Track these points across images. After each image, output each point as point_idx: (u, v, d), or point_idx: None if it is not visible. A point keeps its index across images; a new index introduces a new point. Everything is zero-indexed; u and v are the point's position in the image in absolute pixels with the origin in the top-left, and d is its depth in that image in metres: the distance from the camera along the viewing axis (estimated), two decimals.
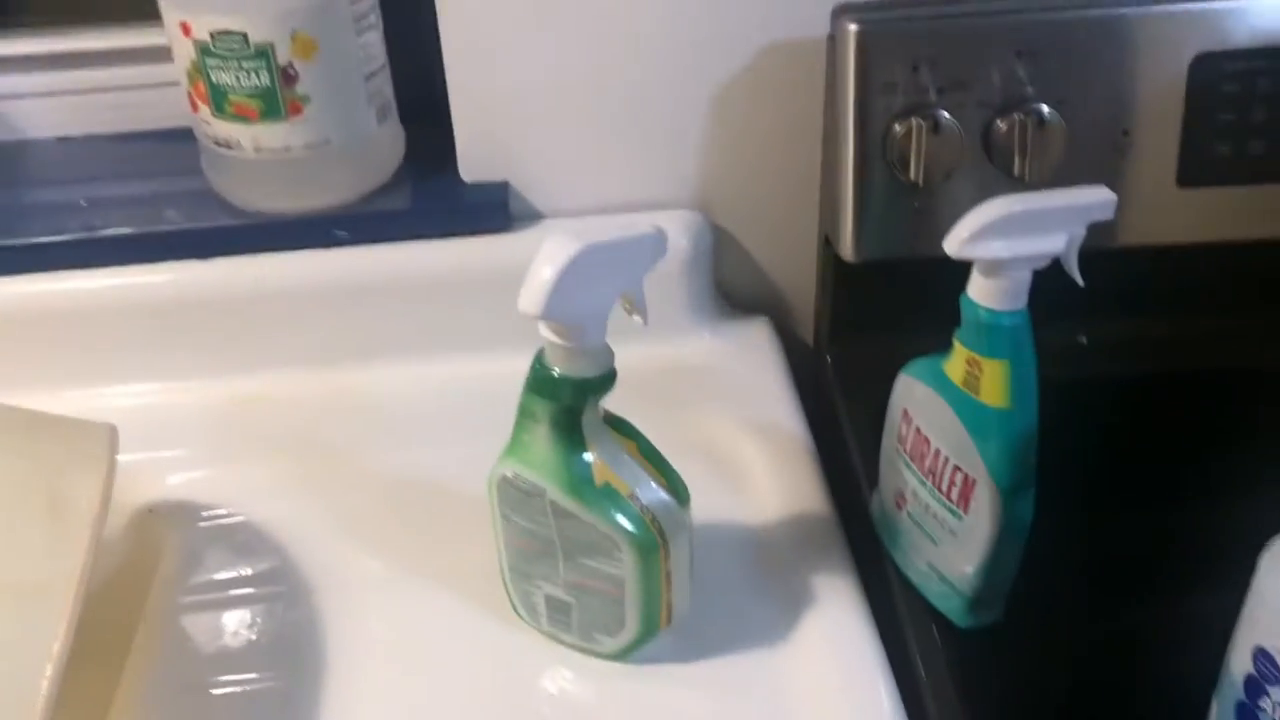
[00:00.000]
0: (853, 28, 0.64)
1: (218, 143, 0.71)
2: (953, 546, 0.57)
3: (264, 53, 0.67)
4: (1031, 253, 0.52)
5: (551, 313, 0.47)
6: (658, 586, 0.55)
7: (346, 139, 0.71)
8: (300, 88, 0.68)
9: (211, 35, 0.66)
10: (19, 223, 0.74)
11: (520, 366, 0.52)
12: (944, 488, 0.57)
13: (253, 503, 0.67)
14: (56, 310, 0.73)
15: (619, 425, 0.55)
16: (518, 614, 0.60)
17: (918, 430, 0.58)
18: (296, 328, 0.74)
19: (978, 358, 0.54)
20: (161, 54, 0.72)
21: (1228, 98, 0.66)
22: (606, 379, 0.51)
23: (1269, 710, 0.47)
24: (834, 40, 0.67)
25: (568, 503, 0.53)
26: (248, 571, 0.64)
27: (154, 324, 0.73)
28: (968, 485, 0.56)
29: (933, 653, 0.57)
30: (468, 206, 0.75)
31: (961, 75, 0.65)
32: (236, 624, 0.61)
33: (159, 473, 0.69)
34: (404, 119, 0.77)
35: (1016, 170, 0.66)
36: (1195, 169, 0.67)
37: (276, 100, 0.68)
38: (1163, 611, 0.62)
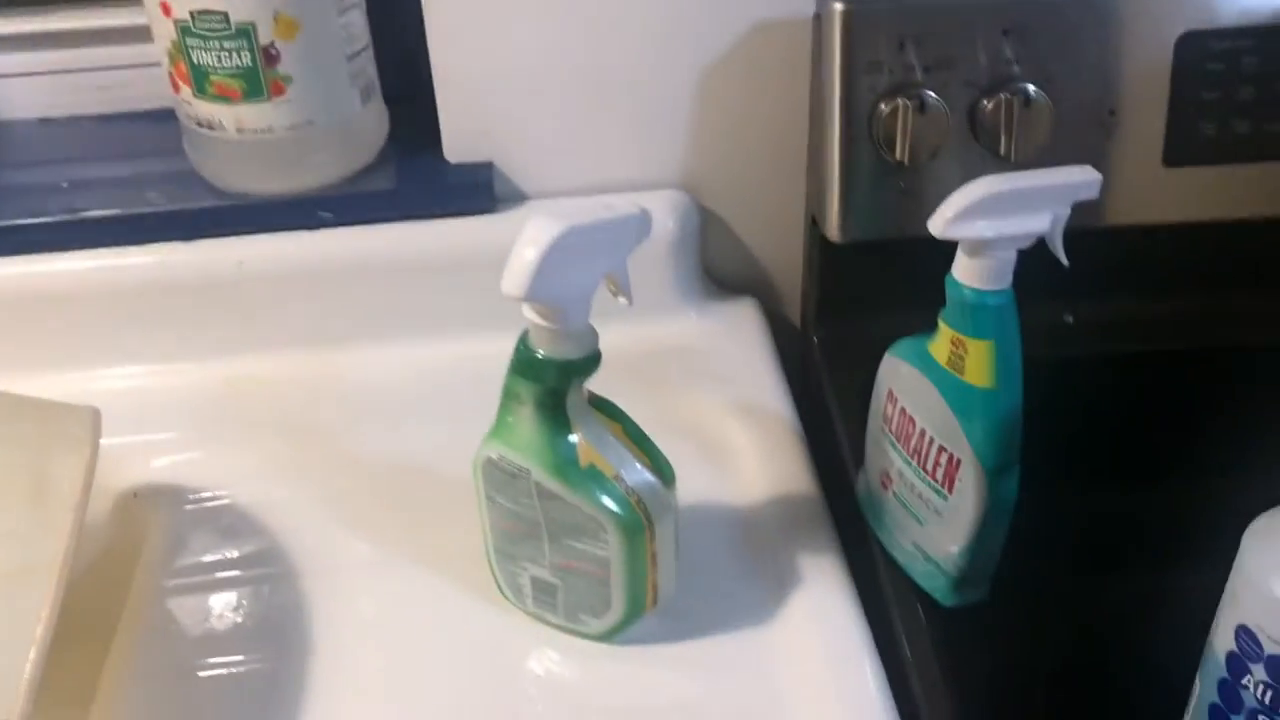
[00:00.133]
0: (838, 7, 0.64)
1: (200, 123, 0.70)
2: (938, 526, 0.58)
3: (245, 32, 0.66)
4: (1016, 232, 0.52)
5: (535, 294, 0.47)
6: (643, 568, 0.55)
7: (330, 119, 0.71)
8: (282, 68, 0.68)
9: (192, 15, 0.66)
10: (0, 204, 0.73)
11: (505, 348, 0.52)
12: (929, 468, 0.57)
13: (238, 485, 0.67)
14: (38, 293, 0.72)
15: (604, 407, 0.55)
16: (504, 595, 0.60)
17: (903, 410, 0.58)
18: (280, 309, 0.74)
19: (962, 338, 0.54)
20: (143, 34, 0.71)
21: (1213, 76, 0.66)
22: (591, 360, 0.51)
23: (1251, 687, 0.47)
24: (819, 19, 0.66)
25: (552, 484, 0.53)
26: (233, 554, 0.63)
27: (137, 306, 0.73)
28: (952, 465, 0.56)
29: (918, 632, 0.57)
30: (452, 187, 0.74)
31: (947, 54, 0.64)
32: (222, 607, 0.61)
33: (143, 456, 0.69)
34: (388, 99, 0.76)
35: (1002, 150, 0.65)
36: (1181, 148, 0.67)
37: (258, 80, 0.68)
38: (1147, 590, 0.62)
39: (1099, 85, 0.66)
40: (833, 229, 0.69)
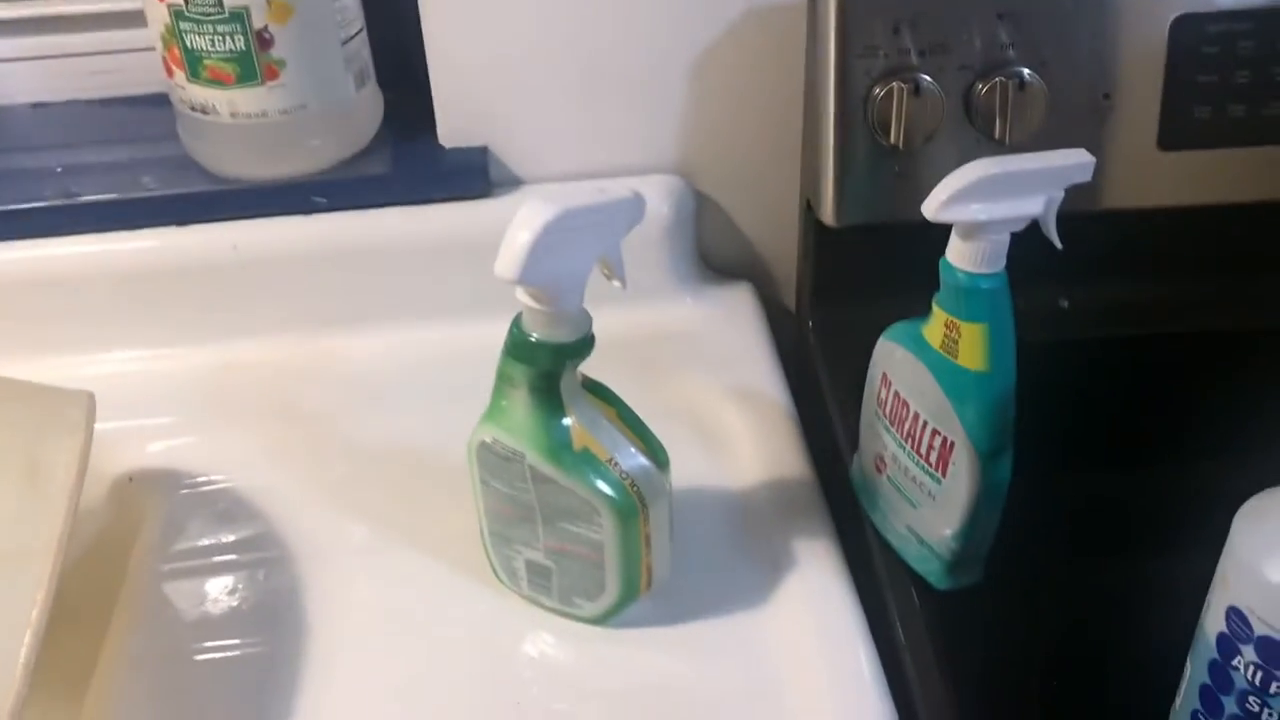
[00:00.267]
0: None
1: (194, 108, 0.70)
2: (931, 509, 0.58)
3: (239, 16, 0.66)
4: (1009, 215, 0.51)
5: (528, 277, 0.47)
6: (637, 551, 0.55)
7: (324, 104, 0.71)
8: (276, 52, 0.68)
9: None
10: None
11: (500, 332, 0.52)
12: (923, 451, 0.57)
13: (234, 470, 0.67)
14: (33, 277, 0.72)
15: (598, 391, 0.55)
16: (498, 579, 0.60)
17: (897, 394, 0.58)
18: (275, 294, 0.74)
19: (956, 321, 0.54)
20: (137, 19, 0.71)
21: (1209, 60, 0.66)
22: (584, 343, 0.51)
23: (1241, 668, 0.47)
24: (814, 4, 0.66)
25: (546, 468, 0.53)
26: (229, 538, 0.64)
27: (132, 291, 0.73)
28: (946, 448, 0.56)
29: (911, 615, 0.58)
30: (447, 172, 0.74)
31: (942, 38, 0.64)
32: (219, 590, 0.61)
33: (139, 441, 0.69)
34: (382, 84, 0.76)
35: (997, 133, 0.65)
36: (1176, 132, 0.67)
37: (252, 64, 0.68)
38: (1141, 573, 0.62)
39: (1094, 69, 0.66)
40: (828, 213, 0.69)
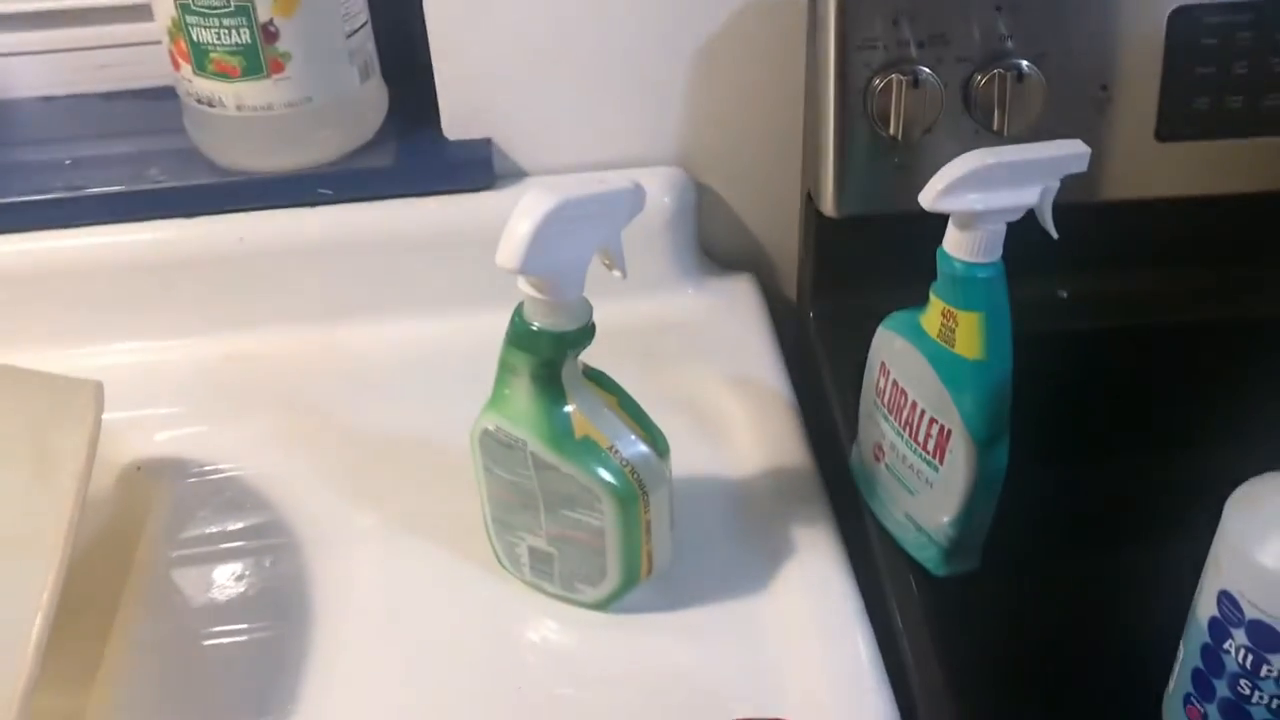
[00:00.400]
0: None
1: (200, 101, 0.71)
2: (929, 497, 0.58)
3: (244, 9, 0.67)
4: (1005, 205, 0.52)
5: (529, 267, 0.48)
6: (638, 537, 0.56)
7: (329, 97, 0.72)
8: (281, 45, 0.68)
9: None
10: (3, 181, 0.74)
11: (503, 322, 0.53)
12: (920, 439, 0.58)
13: (240, 458, 0.68)
14: (41, 269, 0.73)
15: (599, 379, 0.56)
16: (501, 565, 0.60)
17: (895, 383, 0.59)
18: (281, 285, 0.75)
19: (953, 310, 0.54)
20: (143, 12, 0.72)
21: (1206, 51, 0.66)
22: (585, 332, 0.52)
23: (1232, 651, 0.48)
24: None
25: (548, 455, 0.54)
26: (236, 526, 0.64)
27: (139, 282, 0.73)
28: (943, 436, 0.56)
29: (909, 601, 0.58)
30: (451, 164, 0.75)
31: (941, 31, 0.65)
32: (226, 577, 0.62)
33: (146, 430, 0.69)
34: (387, 77, 0.77)
35: (996, 125, 0.66)
36: (1174, 123, 0.68)
37: (258, 57, 0.68)
38: (1136, 559, 0.63)
39: (1092, 61, 0.66)
40: (828, 204, 0.70)
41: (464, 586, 0.60)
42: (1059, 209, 0.53)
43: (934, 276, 0.55)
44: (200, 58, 0.69)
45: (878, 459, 0.62)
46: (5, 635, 0.46)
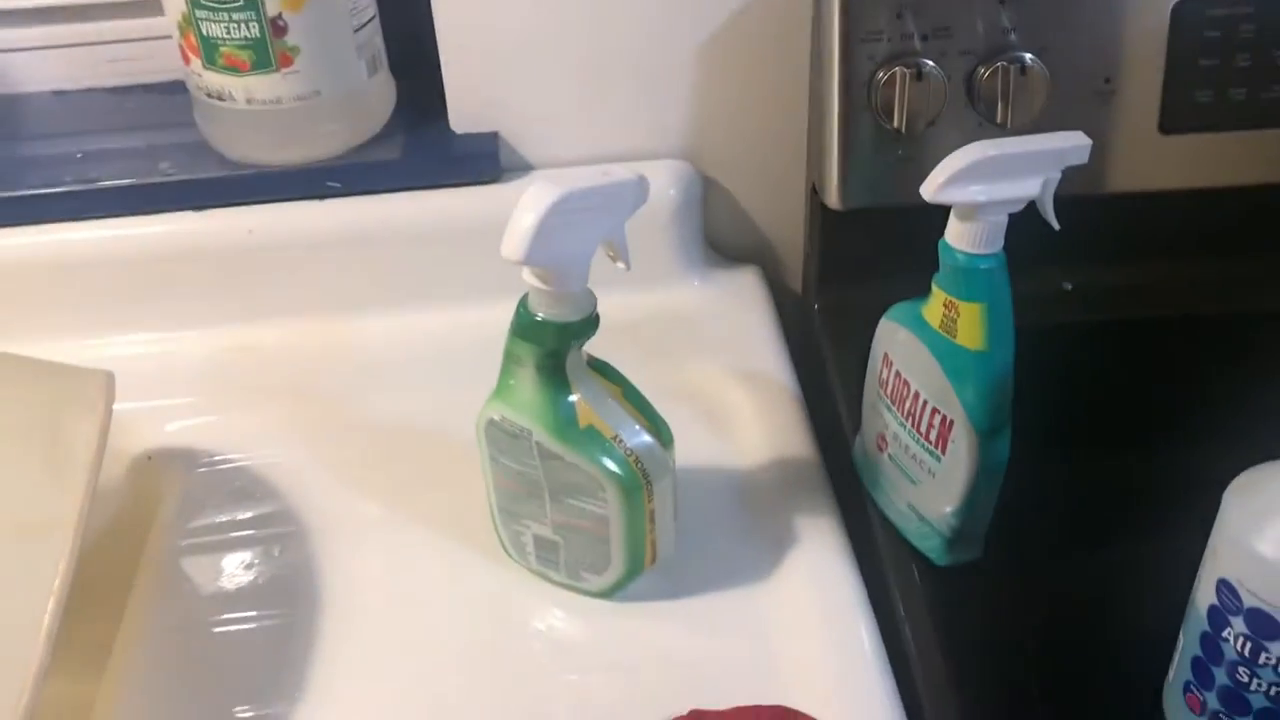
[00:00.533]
0: None
1: (209, 94, 0.72)
2: (931, 487, 0.59)
3: (253, 4, 0.67)
4: (1007, 197, 0.52)
5: (533, 258, 0.48)
6: (642, 526, 0.56)
7: (337, 90, 0.72)
8: (290, 39, 0.69)
9: None
10: (16, 175, 0.75)
11: (509, 314, 0.53)
12: (923, 429, 0.58)
13: (249, 449, 0.68)
14: (53, 261, 0.74)
15: (604, 370, 0.57)
16: (507, 554, 0.61)
17: (898, 374, 0.59)
18: (290, 277, 0.75)
19: (955, 301, 0.55)
20: (154, 7, 0.72)
21: (1210, 44, 0.66)
22: (589, 323, 0.52)
23: (1231, 640, 0.48)
24: None
25: (553, 444, 0.54)
26: (245, 515, 0.65)
27: (150, 274, 0.74)
28: (945, 427, 0.57)
29: (912, 590, 0.59)
30: (458, 157, 0.76)
31: (945, 23, 0.65)
32: (235, 565, 0.62)
33: (157, 421, 0.70)
34: (395, 71, 0.77)
35: (999, 118, 0.66)
36: (1177, 116, 0.68)
37: (267, 51, 0.69)
38: (1137, 550, 0.63)
39: (1095, 53, 0.66)
40: (832, 197, 0.70)
41: (470, 574, 0.61)
42: (1063, 201, 0.54)
43: (938, 268, 0.56)
44: (210, 52, 0.69)
45: (881, 449, 0.62)
46: (18, 620, 0.47)
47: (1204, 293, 0.74)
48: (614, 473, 0.54)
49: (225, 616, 0.60)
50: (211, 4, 0.67)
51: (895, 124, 0.66)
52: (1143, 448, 0.69)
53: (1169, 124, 0.68)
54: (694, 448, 0.63)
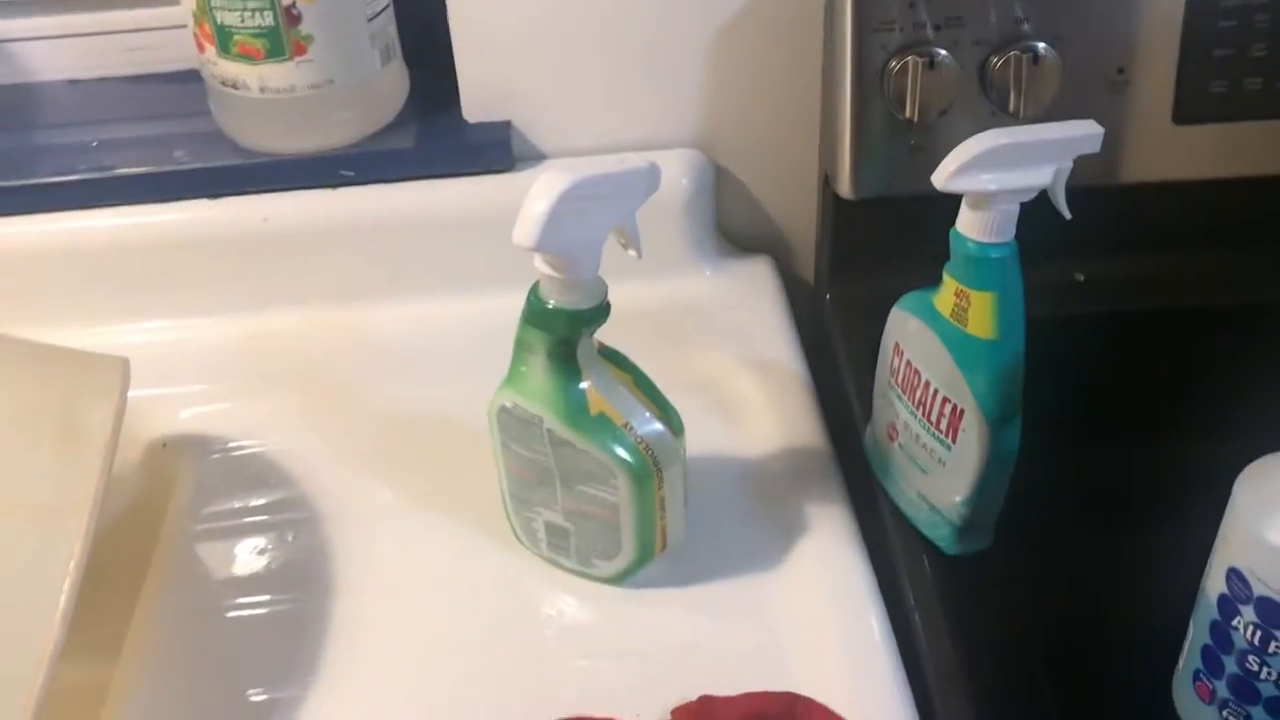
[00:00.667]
0: None
1: (224, 83, 0.72)
2: (942, 476, 0.59)
3: None
4: (1018, 186, 0.52)
5: (545, 245, 0.49)
6: (652, 513, 0.56)
7: (351, 79, 0.72)
8: (304, 28, 0.69)
9: None
10: (31, 163, 0.75)
11: (521, 303, 0.54)
12: (933, 419, 0.58)
13: (263, 436, 0.69)
14: (69, 249, 0.74)
15: (615, 358, 0.57)
16: (518, 540, 0.61)
17: (909, 363, 0.59)
18: (303, 266, 0.76)
19: (966, 290, 0.55)
20: None
21: (1225, 33, 0.66)
22: (600, 310, 0.53)
23: (1241, 628, 0.48)
24: None
25: (564, 431, 0.54)
26: (259, 501, 0.65)
27: (164, 262, 0.74)
28: (956, 416, 0.57)
29: (922, 579, 0.59)
30: (471, 146, 0.76)
31: (957, 12, 0.65)
32: (248, 551, 0.63)
33: (171, 407, 0.71)
34: (408, 60, 0.77)
35: (1011, 107, 0.66)
36: (1191, 106, 0.68)
37: (280, 40, 0.69)
38: (1148, 541, 0.63)
39: (1109, 43, 0.66)
40: (845, 186, 0.70)
41: (481, 561, 0.61)
42: (1077, 192, 0.54)
43: (949, 258, 0.56)
44: (224, 41, 0.70)
45: (891, 439, 0.62)
46: (33, 602, 0.47)
47: (1217, 284, 0.73)
48: (625, 460, 0.54)
49: (239, 601, 0.60)
50: None
51: (908, 114, 0.66)
52: (1153, 438, 0.69)
53: (1183, 114, 0.68)
54: (705, 437, 0.63)
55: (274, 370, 0.73)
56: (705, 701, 0.53)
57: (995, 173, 0.52)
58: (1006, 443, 0.57)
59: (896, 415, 0.61)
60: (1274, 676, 0.48)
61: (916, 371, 0.59)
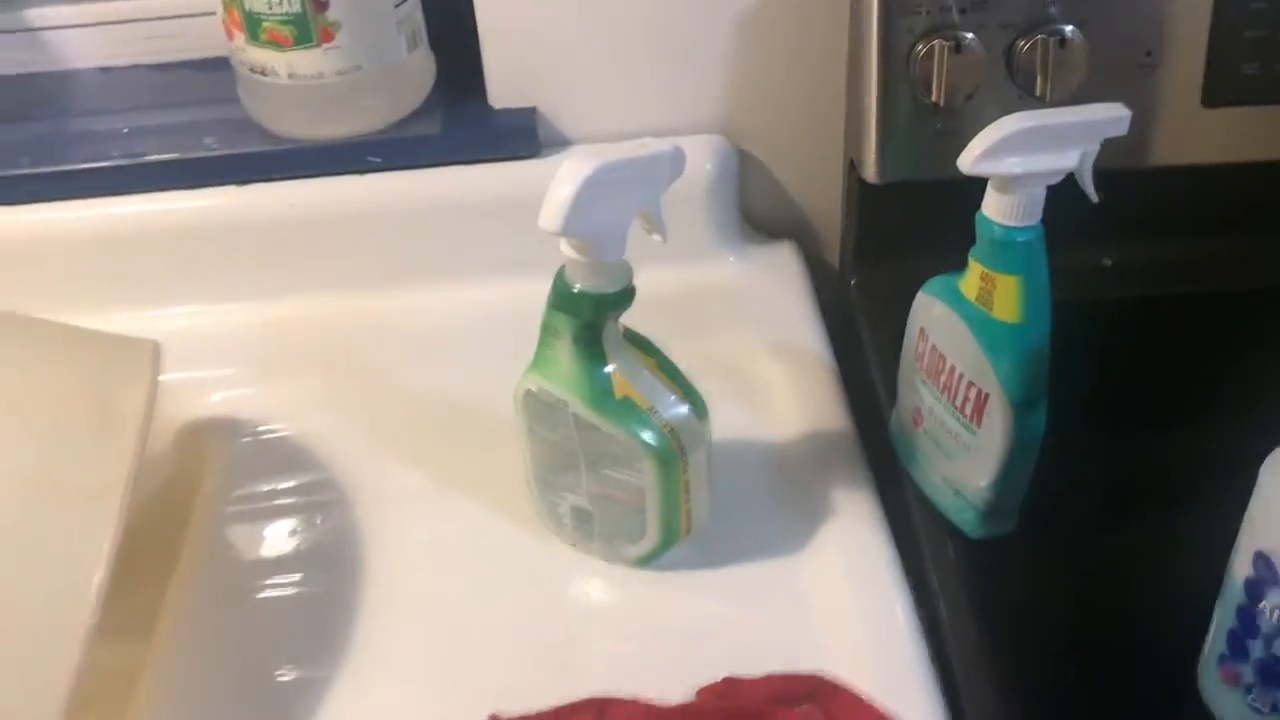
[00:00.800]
0: None
1: (253, 70, 0.72)
2: (966, 460, 0.59)
3: None
4: (1044, 169, 0.52)
5: (570, 229, 0.49)
6: (677, 496, 0.57)
7: (378, 66, 0.73)
8: (331, 14, 0.70)
9: None
10: (64, 150, 0.76)
11: (547, 288, 0.54)
12: (958, 403, 0.58)
13: (292, 419, 0.70)
14: (100, 234, 0.75)
15: (639, 342, 0.57)
16: (544, 523, 0.62)
17: (934, 347, 0.59)
18: (331, 251, 0.76)
19: (991, 273, 0.55)
20: None
21: (1255, 15, 0.65)
22: (625, 294, 0.53)
23: (1267, 612, 0.48)
24: None
25: (589, 415, 0.55)
26: (288, 484, 0.66)
27: (194, 247, 0.75)
28: (981, 400, 0.57)
29: (946, 563, 0.59)
30: (497, 132, 0.76)
31: None
32: (278, 533, 0.64)
33: (201, 391, 0.71)
34: (434, 46, 0.78)
35: (1038, 91, 0.66)
36: (1221, 88, 0.67)
37: (308, 27, 0.70)
38: (1173, 525, 0.63)
39: (1136, 26, 0.66)
40: (870, 171, 0.70)
41: (507, 543, 0.62)
42: (1105, 175, 0.53)
43: (975, 242, 0.56)
44: (253, 27, 0.70)
45: (916, 424, 0.62)
46: (69, 581, 0.48)
47: (1246, 269, 0.73)
48: (649, 444, 0.54)
49: (268, 582, 0.61)
50: None
51: (934, 97, 0.66)
52: (1179, 422, 0.69)
53: (1212, 97, 0.67)
54: (730, 421, 0.63)
55: (302, 355, 0.74)
56: (730, 683, 0.53)
57: (1021, 156, 0.52)
58: (1031, 427, 0.57)
59: (921, 400, 0.61)
60: None
61: (942, 356, 0.59)
